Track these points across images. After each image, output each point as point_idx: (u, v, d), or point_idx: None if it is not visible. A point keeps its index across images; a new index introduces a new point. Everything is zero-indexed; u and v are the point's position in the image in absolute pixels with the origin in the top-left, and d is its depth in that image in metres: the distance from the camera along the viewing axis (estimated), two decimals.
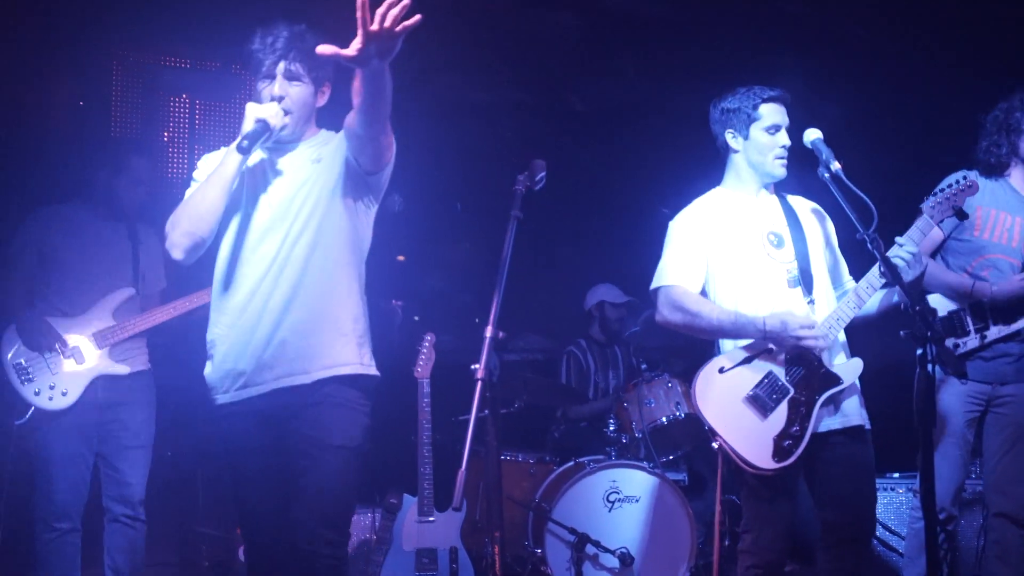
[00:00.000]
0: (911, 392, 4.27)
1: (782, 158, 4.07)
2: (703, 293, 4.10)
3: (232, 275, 3.52)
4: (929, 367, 3.42)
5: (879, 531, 5.53)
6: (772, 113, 4.07)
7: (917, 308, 3.44)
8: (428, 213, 7.35)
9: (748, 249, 4.05)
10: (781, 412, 3.87)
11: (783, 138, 4.06)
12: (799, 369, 3.90)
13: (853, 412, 3.94)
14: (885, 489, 5.67)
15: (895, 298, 3.95)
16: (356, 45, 2.95)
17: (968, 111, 4.90)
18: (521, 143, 7.35)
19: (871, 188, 3.80)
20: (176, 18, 6.12)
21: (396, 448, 5.68)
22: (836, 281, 4.16)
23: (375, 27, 2.90)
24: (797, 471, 3.89)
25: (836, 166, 3.85)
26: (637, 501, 5.54)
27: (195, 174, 3.64)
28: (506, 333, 3.71)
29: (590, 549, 5.37)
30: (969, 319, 4.53)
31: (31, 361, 4.77)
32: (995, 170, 4.68)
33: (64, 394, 4.79)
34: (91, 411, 4.86)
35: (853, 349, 4.05)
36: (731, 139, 4.14)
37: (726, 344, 4.05)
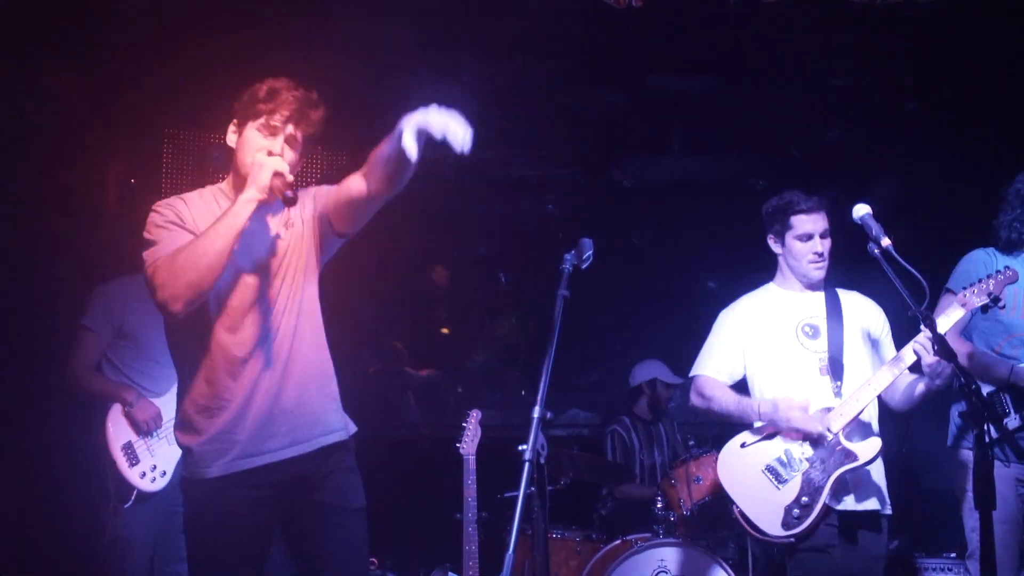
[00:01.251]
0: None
1: (816, 263, 4.32)
2: (745, 381, 4.40)
3: (223, 342, 3.39)
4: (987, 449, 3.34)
5: None
6: (804, 223, 4.31)
7: (973, 387, 3.37)
8: (474, 287, 7.38)
9: (782, 340, 4.33)
10: (795, 484, 4.09)
11: (817, 245, 4.30)
12: (816, 446, 4.10)
13: (870, 496, 4.15)
14: (941, 570, 5.53)
15: (917, 390, 4.11)
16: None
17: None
18: (567, 218, 7.37)
19: (923, 264, 3.76)
20: (225, 96, 6.21)
21: (440, 524, 5.63)
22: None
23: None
24: (834, 547, 4.03)
25: (886, 242, 3.81)
26: None
27: (160, 221, 3.39)
28: (554, 412, 3.76)
29: None
30: (1008, 399, 4.45)
31: (136, 443, 4.82)
32: (1016, 246, 4.60)
33: (164, 475, 4.85)
34: (167, 490, 4.85)
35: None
36: (772, 243, 4.46)
37: (757, 423, 4.27)
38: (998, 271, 4.20)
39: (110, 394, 4.87)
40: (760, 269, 7.57)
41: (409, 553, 5.80)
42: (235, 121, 3.51)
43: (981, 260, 4.57)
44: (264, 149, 3.38)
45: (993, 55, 5.84)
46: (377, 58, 5.97)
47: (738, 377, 4.44)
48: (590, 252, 3.45)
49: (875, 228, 3.88)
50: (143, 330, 4.95)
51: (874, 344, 4.36)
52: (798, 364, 4.27)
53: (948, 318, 4.06)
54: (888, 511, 4.19)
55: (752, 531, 4.10)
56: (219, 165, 6.85)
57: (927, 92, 6.35)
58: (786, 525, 4.02)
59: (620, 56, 6.23)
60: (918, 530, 6.76)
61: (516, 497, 2.95)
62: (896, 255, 3.78)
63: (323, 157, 7.17)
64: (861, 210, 3.97)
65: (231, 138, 3.52)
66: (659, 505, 6.01)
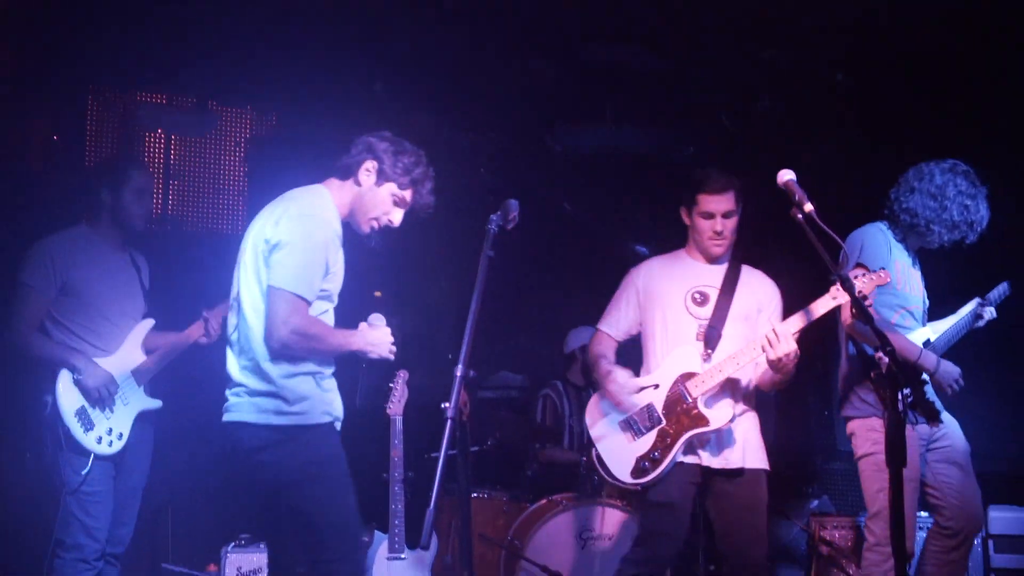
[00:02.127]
0: None
1: (714, 240, 4.62)
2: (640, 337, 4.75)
3: None
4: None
5: None
6: (708, 202, 4.60)
7: (888, 349, 3.45)
8: (404, 252, 7.35)
9: (672, 302, 4.66)
10: (649, 438, 4.50)
11: (716, 224, 4.59)
12: (676, 406, 4.48)
13: (735, 455, 4.52)
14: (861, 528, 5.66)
15: (765, 377, 4.50)
16: None
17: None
18: (500, 185, 7.37)
19: (847, 230, 3.83)
20: (151, 53, 6.12)
21: (368, 485, 5.64)
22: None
23: None
24: (684, 501, 4.48)
25: (809, 207, 3.86)
26: (611, 539, 5.51)
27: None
28: (477, 372, 3.77)
29: None
30: None
31: (90, 408, 4.66)
32: (910, 233, 4.92)
33: (120, 437, 4.74)
34: (120, 452, 4.78)
35: None
36: (683, 215, 4.76)
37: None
38: (875, 271, 4.43)
39: (58, 359, 4.67)
40: (687, 234, 7.66)
41: None
42: (376, 167, 3.97)
43: (884, 243, 4.86)
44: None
45: (925, 28, 5.91)
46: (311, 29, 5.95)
47: (634, 333, 4.79)
48: (516, 213, 3.47)
49: (798, 193, 3.93)
50: (88, 285, 4.77)
51: (758, 321, 4.64)
52: (679, 327, 4.61)
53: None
54: (759, 466, 4.57)
55: (605, 474, 4.58)
56: (145, 124, 6.78)
57: (858, 64, 6.43)
58: (634, 474, 4.47)
59: (553, 26, 6.23)
60: (838, 491, 6.93)
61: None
62: (818, 220, 3.84)
63: (251, 117, 7.11)
64: (785, 175, 4.01)
65: (365, 175, 3.98)
66: (584, 467, 6.08)
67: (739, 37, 6.24)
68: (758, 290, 4.70)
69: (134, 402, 4.84)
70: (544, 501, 5.86)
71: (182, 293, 5.46)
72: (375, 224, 4.00)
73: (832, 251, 3.77)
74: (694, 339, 4.57)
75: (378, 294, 7.49)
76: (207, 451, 6.70)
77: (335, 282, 3.91)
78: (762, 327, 4.52)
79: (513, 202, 3.48)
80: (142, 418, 4.89)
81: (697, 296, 4.62)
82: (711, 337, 4.54)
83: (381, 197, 3.98)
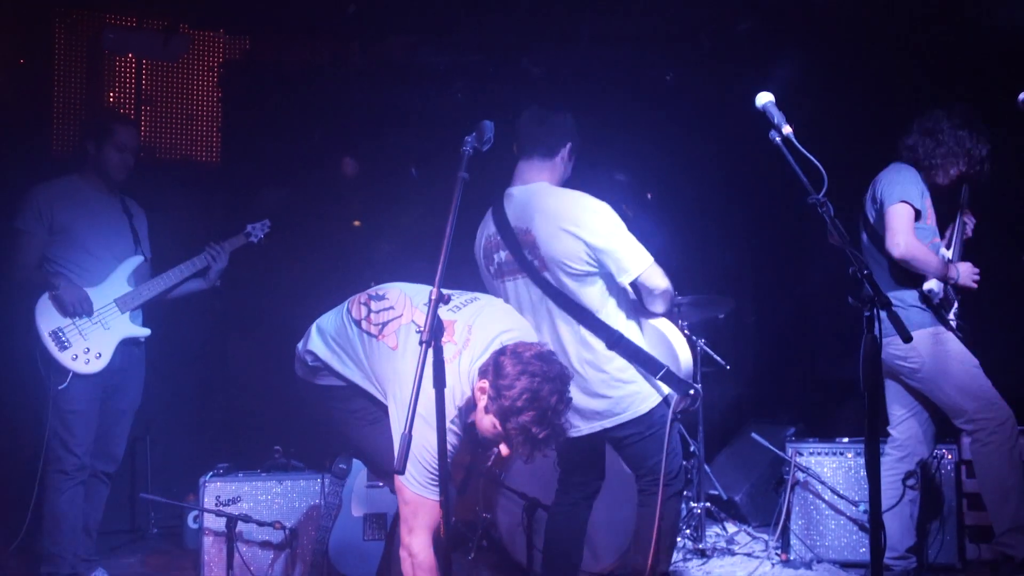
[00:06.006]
0: None
1: None
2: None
3: None
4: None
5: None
6: None
7: (864, 272, 3.43)
8: (382, 178, 7.29)
9: None
10: None
11: None
12: None
13: None
14: (836, 454, 5.70)
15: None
16: None
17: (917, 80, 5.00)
18: (476, 107, 7.28)
19: (821, 152, 3.78)
20: None
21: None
22: None
23: None
24: None
25: (787, 130, 3.81)
26: None
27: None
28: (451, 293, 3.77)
29: (541, 514, 5.35)
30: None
31: (66, 328, 4.94)
32: (934, 180, 5.09)
33: (99, 357, 5.01)
34: (107, 374, 5.06)
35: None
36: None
37: None
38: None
39: (40, 283, 4.98)
40: (668, 159, 7.60)
41: (313, 442, 5.80)
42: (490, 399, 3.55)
43: (918, 180, 5.01)
44: None
45: None
46: None
47: None
48: (491, 135, 3.40)
49: (777, 116, 3.87)
50: (75, 224, 5.07)
51: None
52: None
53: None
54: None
55: None
56: (114, 47, 6.65)
57: None
58: None
59: None
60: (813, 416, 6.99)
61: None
62: (797, 143, 3.80)
63: (224, 40, 6.99)
64: (764, 98, 3.95)
65: (482, 420, 3.59)
66: None
67: None
68: None
69: (116, 327, 5.09)
70: None
71: (153, 222, 5.45)
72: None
73: (810, 174, 3.74)
74: None
75: (357, 223, 7.44)
76: (185, 381, 6.73)
77: None
78: None
79: (488, 123, 3.41)
80: (130, 343, 5.18)
81: None
82: None
83: (488, 425, 3.63)
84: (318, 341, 3.95)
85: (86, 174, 5.21)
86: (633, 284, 4.11)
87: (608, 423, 4.15)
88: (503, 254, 4.24)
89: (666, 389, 4.14)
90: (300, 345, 4.04)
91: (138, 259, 5.26)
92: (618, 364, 4.10)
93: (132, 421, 5.32)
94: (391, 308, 3.82)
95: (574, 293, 4.09)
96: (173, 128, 7.04)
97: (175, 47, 6.80)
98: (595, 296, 4.11)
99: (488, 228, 4.31)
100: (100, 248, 5.13)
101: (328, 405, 4.01)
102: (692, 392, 4.12)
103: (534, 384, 3.44)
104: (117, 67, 6.74)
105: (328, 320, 4.00)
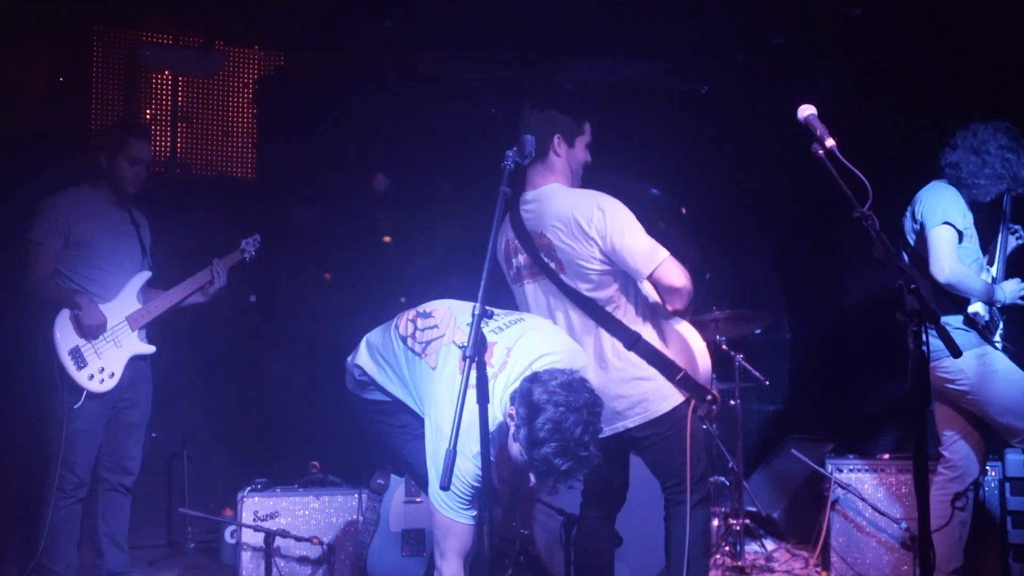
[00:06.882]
0: None
1: None
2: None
3: None
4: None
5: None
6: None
7: (912, 287, 3.39)
8: (416, 192, 7.29)
9: None
10: None
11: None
12: None
13: None
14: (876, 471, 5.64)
15: None
16: None
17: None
18: (509, 122, 7.27)
19: (867, 165, 3.75)
20: None
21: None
22: None
23: None
24: None
25: (830, 143, 3.77)
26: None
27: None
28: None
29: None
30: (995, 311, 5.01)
31: (83, 347, 4.94)
32: (977, 200, 5.01)
33: (112, 376, 5.03)
34: (116, 391, 5.07)
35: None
36: None
37: None
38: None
39: (63, 299, 4.95)
40: (702, 173, 7.56)
41: (350, 458, 5.80)
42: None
43: (960, 200, 4.94)
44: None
45: None
46: None
47: None
48: (531, 149, 3.41)
49: (820, 129, 3.84)
50: (88, 237, 5.06)
51: None
52: None
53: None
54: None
55: None
56: (151, 64, 6.69)
57: None
58: None
59: None
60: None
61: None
62: (840, 156, 3.76)
63: (259, 56, 7.02)
64: (806, 111, 3.92)
65: (512, 447, 3.52)
66: None
67: None
68: None
69: (127, 345, 5.11)
70: None
71: (189, 238, 5.46)
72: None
73: (854, 187, 3.70)
74: None
75: (388, 239, 7.44)
76: (220, 396, 6.75)
77: None
78: None
79: (530, 138, 3.42)
80: (138, 360, 5.19)
81: None
82: None
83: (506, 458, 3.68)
84: (366, 355, 3.96)
85: (97, 185, 5.18)
86: (653, 281, 4.09)
87: (629, 423, 4.12)
88: (521, 258, 4.25)
89: None
90: (349, 358, 4.05)
91: (146, 274, 5.27)
92: (637, 364, 4.09)
93: (145, 434, 5.31)
94: (435, 327, 3.80)
95: (592, 294, 4.10)
96: (209, 144, 7.07)
97: (211, 63, 6.84)
98: (612, 297, 4.11)
99: (507, 233, 4.31)
100: (111, 263, 5.14)
101: (376, 419, 4.01)
102: (709, 398, 4.09)
103: (557, 414, 3.34)
104: (154, 84, 6.79)
105: (376, 335, 4.00)
